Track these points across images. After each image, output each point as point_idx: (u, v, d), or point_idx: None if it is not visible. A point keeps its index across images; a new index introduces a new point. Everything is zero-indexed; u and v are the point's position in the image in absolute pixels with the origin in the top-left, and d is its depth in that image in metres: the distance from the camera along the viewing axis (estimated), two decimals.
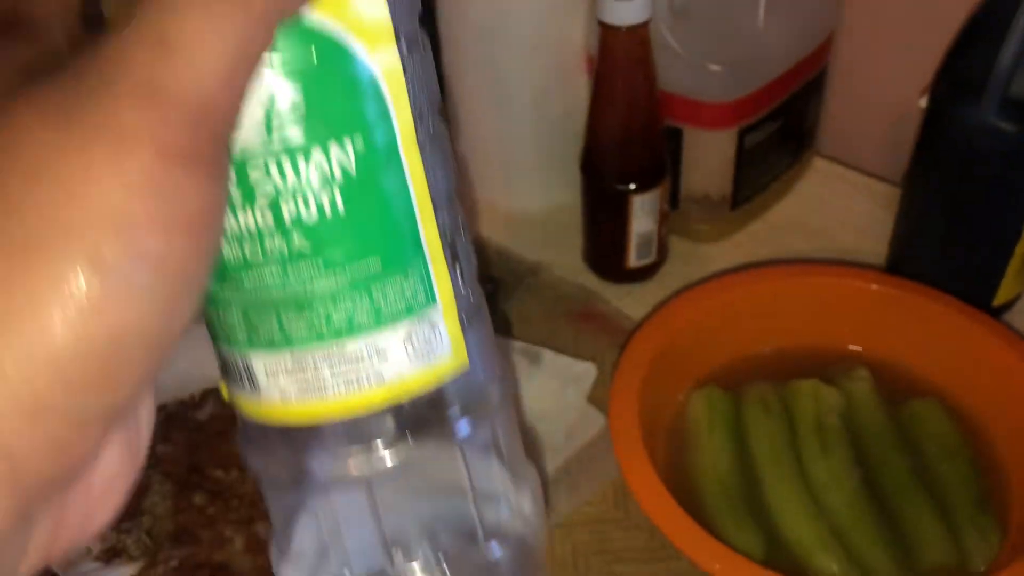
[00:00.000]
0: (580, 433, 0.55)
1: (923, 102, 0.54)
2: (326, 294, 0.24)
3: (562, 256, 0.67)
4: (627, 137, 0.58)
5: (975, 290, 0.55)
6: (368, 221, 0.24)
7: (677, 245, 0.66)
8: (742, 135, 0.61)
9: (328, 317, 0.24)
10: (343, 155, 0.23)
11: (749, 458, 0.50)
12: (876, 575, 0.45)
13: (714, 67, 0.58)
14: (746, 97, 0.59)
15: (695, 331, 0.53)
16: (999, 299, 0.56)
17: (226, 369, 0.26)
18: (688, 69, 0.58)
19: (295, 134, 0.22)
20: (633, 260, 0.62)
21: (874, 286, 0.53)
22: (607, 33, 0.55)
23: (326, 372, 0.25)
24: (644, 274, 0.64)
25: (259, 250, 0.23)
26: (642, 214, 0.60)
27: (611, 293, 0.64)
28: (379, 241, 0.24)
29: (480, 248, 0.68)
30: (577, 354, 0.59)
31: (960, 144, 0.52)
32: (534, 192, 0.70)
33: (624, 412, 0.48)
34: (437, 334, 0.26)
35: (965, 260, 0.56)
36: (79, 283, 0.18)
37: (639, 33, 0.54)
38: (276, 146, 0.22)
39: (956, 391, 0.52)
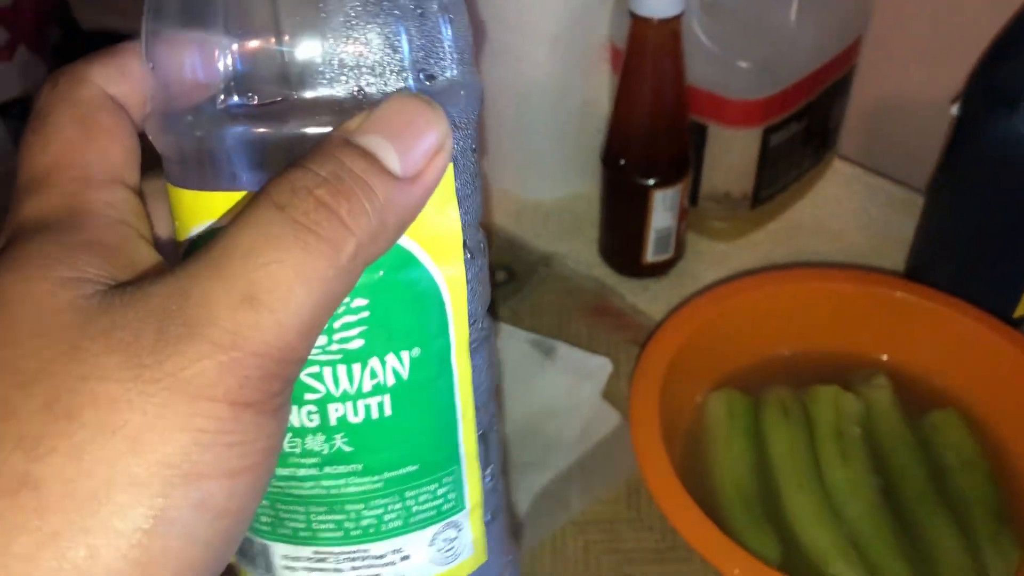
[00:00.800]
0: (595, 430, 0.54)
1: (955, 109, 0.53)
2: (359, 497, 0.23)
3: (576, 248, 0.66)
4: (652, 131, 0.57)
5: (996, 300, 0.55)
6: (413, 427, 0.23)
7: (694, 242, 0.65)
8: (767, 134, 0.60)
9: (358, 519, 0.24)
10: (399, 364, 0.22)
11: (767, 463, 0.49)
12: None
13: (743, 64, 0.57)
14: (773, 96, 0.58)
15: (715, 332, 0.52)
16: (1020, 311, 0.56)
17: (241, 545, 0.25)
18: (716, 65, 0.57)
19: (356, 344, 0.22)
20: (650, 256, 0.61)
21: (897, 293, 0.53)
22: (638, 24, 0.54)
23: (347, 570, 0.24)
24: (660, 270, 0.63)
25: (299, 446, 0.23)
26: (662, 209, 0.59)
27: (625, 288, 0.63)
28: (420, 447, 0.24)
29: (492, 237, 0.67)
30: (590, 349, 0.58)
31: (990, 153, 0.52)
32: (550, 182, 0.69)
33: (644, 413, 0.47)
34: (461, 536, 0.25)
35: (988, 270, 0.55)
36: (139, 539, 0.18)
37: (671, 26, 0.53)
38: (334, 352, 0.22)
39: (976, 402, 0.51)
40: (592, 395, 0.55)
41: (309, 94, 0.20)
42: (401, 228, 0.21)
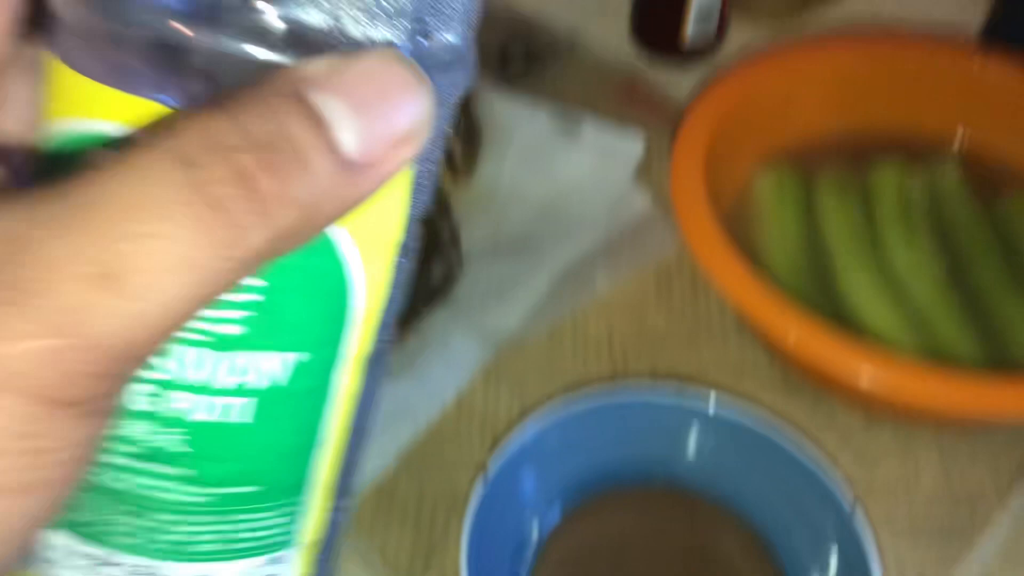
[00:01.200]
0: (623, 210, 0.49)
1: None
2: (176, 507, 0.19)
3: (605, 27, 0.59)
4: None
5: None
6: (271, 443, 0.19)
7: (737, 28, 0.58)
8: None
9: (164, 532, 0.19)
10: (278, 365, 0.18)
11: (822, 244, 0.44)
12: (961, 363, 0.39)
13: None
14: None
15: (765, 101, 0.47)
16: None
17: None
18: None
19: (232, 329, 0.17)
20: (690, 33, 0.55)
21: (973, 61, 0.46)
22: None
23: None
24: (699, 54, 0.56)
25: (122, 429, 0.18)
26: None
27: (660, 72, 0.57)
28: (272, 468, 0.19)
29: (510, 17, 0.61)
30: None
31: None
32: None
33: (687, 178, 0.41)
34: (283, 574, 0.21)
35: None
36: None
37: None
38: (200, 333, 0.17)
39: None
40: (622, 174, 0.50)
41: (274, 9, 0.16)
42: (330, 223, 0.16)
